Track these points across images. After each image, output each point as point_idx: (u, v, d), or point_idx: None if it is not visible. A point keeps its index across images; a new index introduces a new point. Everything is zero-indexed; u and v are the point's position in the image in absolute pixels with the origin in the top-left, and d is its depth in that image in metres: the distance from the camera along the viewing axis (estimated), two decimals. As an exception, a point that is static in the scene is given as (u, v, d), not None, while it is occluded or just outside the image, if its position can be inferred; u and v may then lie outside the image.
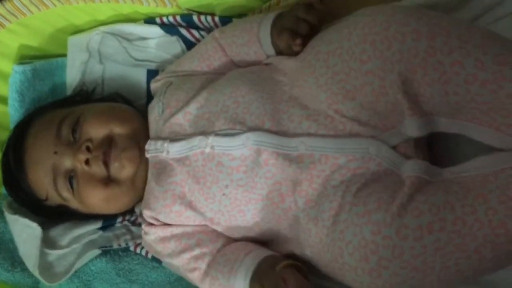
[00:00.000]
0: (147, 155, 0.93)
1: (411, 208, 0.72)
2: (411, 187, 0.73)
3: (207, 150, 0.85)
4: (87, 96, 1.07)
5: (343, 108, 0.79)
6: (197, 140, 0.86)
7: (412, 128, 0.76)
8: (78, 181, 0.92)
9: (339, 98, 0.79)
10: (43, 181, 0.94)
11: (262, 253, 0.86)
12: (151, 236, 0.93)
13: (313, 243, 0.81)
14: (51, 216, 1.01)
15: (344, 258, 0.76)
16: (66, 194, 0.94)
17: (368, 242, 0.73)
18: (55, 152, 0.92)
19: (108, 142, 0.92)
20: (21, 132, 0.98)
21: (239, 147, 0.83)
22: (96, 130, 0.92)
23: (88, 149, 0.90)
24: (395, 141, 0.78)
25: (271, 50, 0.91)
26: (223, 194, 0.85)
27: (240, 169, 0.83)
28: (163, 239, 0.92)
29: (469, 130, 0.75)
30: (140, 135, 0.95)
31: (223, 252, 0.89)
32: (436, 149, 0.86)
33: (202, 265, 0.88)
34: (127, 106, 1.03)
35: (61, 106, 1.01)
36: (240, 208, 0.85)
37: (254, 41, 0.92)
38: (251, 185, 0.83)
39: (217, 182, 0.85)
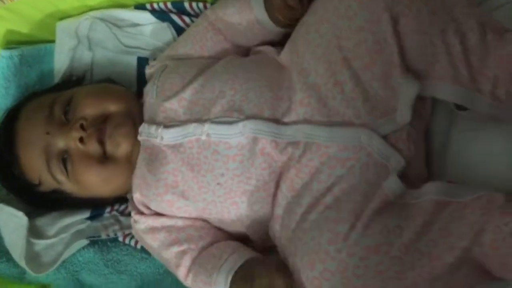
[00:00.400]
0: (139, 138, 0.90)
1: (367, 228, 0.72)
2: (375, 202, 0.74)
3: (203, 137, 0.83)
4: (77, 82, 1.05)
5: (342, 79, 0.78)
6: (192, 127, 0.84)
7: (408, 89, 0.75)
8: (72, 161, 0.90)
9: (337, 67, 0.78)
10: (35, 164, 0.91)
11: (246, 254, 0.85)
12: (141, 225, 0.92)
13: (281, 234, 0.81)
14: (42, 203, 0.99)
15: (296, 258, 0.76)
16: (60, 176, 0.91)
17: (321, 250, 0.73)
18: (47, 133, 0.90)
19: (103, 120, 0.90)
20: (12, 116, 0.96)
21: (236, 135, 0.81)
22: (90, 109, 0.90)
23: (82, 127, 0.88)
24: (387, 130, 0.78)
25: (263, 14, 0.89)
26: (218, 184, 0.83)
27: (237, 158, 0.82)
28: (153, 230, 0.91)
29: (441, 91, 0.77)
30: (135, 114, 0.93)
31: (210, 248, 0.88)
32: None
33: (187, 261, 0.87)
34: (122, 87, 1.01)
35: (53, 91, 0.99)
36: (234, 200, 0.84)
37: (245, 7, 0.90)
38: (246, 175, 0.82)
39: (212, 171, 0.83)
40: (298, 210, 0.79)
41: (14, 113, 0.97)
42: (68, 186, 0.93)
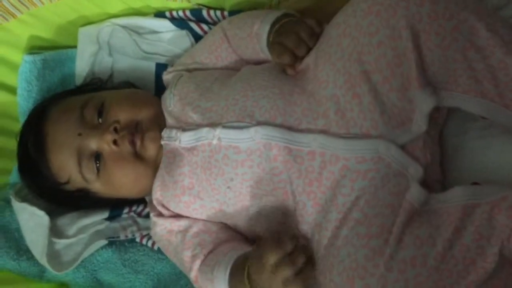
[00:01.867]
0: (161, 142, 0.94)
1: (401, 241, 0.73)
2: (403, 215, 0.75)
3: (214, 141, 0.86)
4: (100, 85, 1.08)
5: (361, 92, 0.79)
6: (204, 131, 0.87)
7: (425, 102, 0.77)
8: (105, 161, 0.93)
9: (357, 81, 0.79)
10: (66, 164, 0.94)
11: (247, 248, 0.86)
12: (159, 227, 0.94)
13: (315, 249, 0.82)
14: (64, 201, 1.01)
15: (332, 275, 0.76)
16: (90, 175, 0.94)
17: (359, 266, 0.74)
18: (79, 134, 0.93)
19: (134, 125, 0.93)
20: (39, 118, 0.98)
21: (247, 141, 0.83)
22: (123, 113, 0.94)
23: (115, 130, 0.91)
24: (404, 140, 0.79)
25: (266, 51, 0.92)
26: (228, 187, 0.86)
27: (245, 163, 0.84)
28: (170, 232, 0.93)
29: (464, 102, 0.77)
30: (161, 119, 0.96)
31: (216, 250, 0.90)
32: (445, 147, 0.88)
33: (197, 265, 0.89)
34: (148, 92, 1.04)
35: (76, 94, 1.02)
36: (244, 203, 0.86)
37: (252, 37, 0.93)
38: (256, 180, 0.84)
39: (223, 175, 0.85)
40: (328, 226, 0.79)
41: (41, 113, 0.99)
42: (96, 186, 0.96)
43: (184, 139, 0.90)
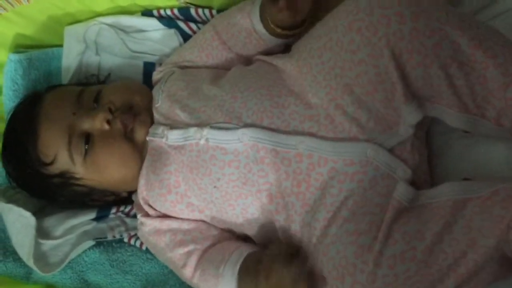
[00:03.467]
0: (148, 138, 0.93)
1: (389, 237, 0.74)
2: (391, 211, 0.75)
3: (202, 142, 0.86)
4: (97, 82, 1.08)
5: (344, 104, 0.79)
6: (192, 131, 0.87)
7: (411, 115, 0.77)
8: (94, 141, 0.92)
9: (338, 93, 0.80)
10: (56, 141, 0.93)
11: (252, 247, 0.88)
12: (147, 227, 0.94)
13: (304, 248, 0.82)
14: (43, 190, 0.99)
15: (323, 272, 0.77)
16: (77, 156, 0.93)
17: (348, 263, 0.74)
18: (74, 113, 0.93)
19: (128, 108, 0.94)
20: (35, 99, 0.98)
21: (234, 142, 0.84)
22: (118, 97, 0.95)
23: (110, 110, 0.92)
24: (392, 143, 0.80)
25: (259, 23, 0.91)
26: (214, 187, 0.86)
27: (232, 164, 0.84)
28: (159, 232, 0.93)
29: (446, 115, 0.78)
30: (151, 111, 0.96)
31: (216, 247, 0.90)
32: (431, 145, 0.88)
33: (193, 261, 0.89)
34: (143, 84, 1.05)
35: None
36: (230, 202, 0.86)
37: (245, 17, 0.93)
38: (242, 181, 0.84)
39: (210, 175, 0.86)
40: (317, 225, 0.80)
41: (36, 96, 0.99)
42: (80, 169, 0.94)
43: (172, 137, 0.89)
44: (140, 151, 0.94)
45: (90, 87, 0.99)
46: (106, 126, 0.91)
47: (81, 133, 0.92)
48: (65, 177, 0.96)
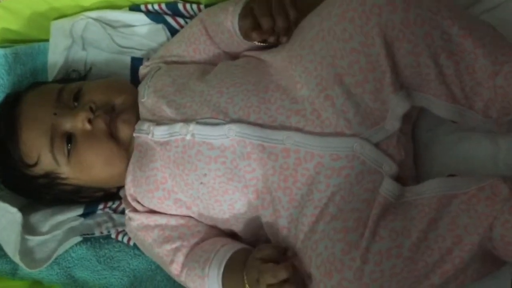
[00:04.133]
0: (134, 134, 0.93)
1: (376, 233, 0.74)
2: (377, 208, 0.76)
3: (188, 137, 0.86)
4: (78, 78, 1.07)
5: (333, 95, 0.80)
6: (178, 127, 0.87)
7: (399, 105, 0.78)
8: (77, 141, 0.92)
9: (329, 84, 0.80)
10: (38, 143, 0.93)
11: (237, 245, 0.87)
12: (135, 222, 0.93)
13: (290, 244, 0.83)
14: (30, 190, 0.99)
15: (311, 268, 0.78)
16: (61, 157, 0.93)
17: (336, 260, 0.75)
18: (55, 114, 0.92)
19: (110, 107, 0.93)
20: (14, 99, 0.97)
21: (221, 137, 0.83)
22: (99, 96, 0.94)
23: (91, 109, 0.91)
24: (379, 138, 0.80)
25: (237, 29, 0.90)
26: (201, 183, 0.86)
27: (219, 159, 0.84)
28: (147, 227, 0.92)
29: (434, 105, 0.79)
30: (137, 108, 0.95)
31: (202, 244, 0.90)
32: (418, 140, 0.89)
33: (180, 258, 0.89)
34: (127, 81, 1.04)
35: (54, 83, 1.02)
36: (217, 198, 0.86)
37: (227, 20, 0.92)
38: (228, 176, 0.84)
39: (196, 170, 0.85)
40: (304, 220, 0.80)
41: (16, 96, 0.98)
42: (65, 170, 0.94)
43: (157, 133, 0.89)
44: (126, 148, 0.94)
45: (70, 84, 0.98)
46: (88, 126, 0.91)
47: (63, 133, 0.92)
48: (51, 178, 0.95)
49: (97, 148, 0.92)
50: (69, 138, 0.92)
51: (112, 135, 0.93)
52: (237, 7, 0.90)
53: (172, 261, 0.89)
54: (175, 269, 0.89)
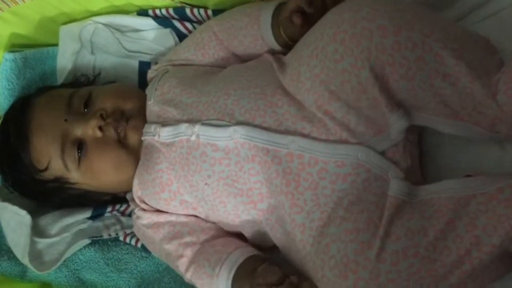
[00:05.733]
0: (142, 137, 0.94)
1: (391, 233, 0.74)
2: (390, 208, 0.75)
3: (193, 138, 0.86)
4: (87, 83, 1.08)
5: (332, 110, 0.79)
6: (183, 127, 0.87)
7: (397, 122, 0.77)
8: (88, 148, 0.93)
9: (325, 100, 0.79)
10: (49, 148, 0.94)
11: (250, 251, 0.87)
12: (144, 220, 0.94)
13: (297, 248, 0.82)
14: (39, 194, 1.00)
15: (324, 270, 0.77)
16: (71, 163, 0.94)
17: (350, 261, 0.74)
18: (66, 120, 0.93)
19: (120, 113, 0.94)
20: (24, 105, 0.98)
21: (225, 139, 0.84)
22: (109, 102, 0.95)
23: (102, 116, 0.92)
24: (384, 146, 0.80)
25: (268, 31, 0.92)
26: (206, 184, 0.86)
27: (223, 161, 0.84)
28: (157, 224, 0.93)
29: (436, 123, 0.78)
30: (144, 112, 0.96)
31: (213, 243, 0.90)
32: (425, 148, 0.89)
33: (189, 253, 0.89)
34: (134, 86, 1.05)
35: (64, 87, 1.02)
36: (221, 199, 0.87)
37: (253, 23, 0.93)
38: (232, 178, 0.84)
39: (200, 172, 0.86)
40: (312, 225, 0.79)
41: (27, 100, 0.99)
42: (75, 175, 0.95)
43: (163, 134, 0.90)
44: (135, 154, 0.95)
45: (80, 90, 0.98)
46: (99, 133, 0.92)
47: (73, 140, 0.93)
48: (60, 182, 0.96)
49: (107, 155, 0.93)
50: (80, 144, 0.93)
51: (122, 142, 0.94)
52: (265, 13, 0.92)
53: (181, 256, 0.90)
54: (183, 264, 0.89)
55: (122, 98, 0.96)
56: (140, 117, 0.95)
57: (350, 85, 0.77)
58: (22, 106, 0.99)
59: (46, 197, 1.01)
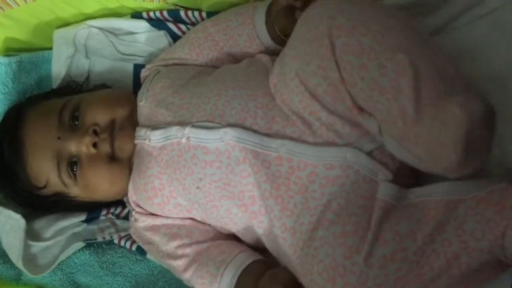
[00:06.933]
0: (135, 142, 0.93)
1: (379, 237, 0.73)
2: (378, 212, 0.74)
3: (183, 140, 0.85)
4: (76, 88, 1.08)
5: (316, 110, 0.78)
6: (174, 130, 0.87)
7: (370, 126, 0.76)
8: (82, 165, 0.92)
9: (309, 100, 0.78)
10: (46, 168, 0.93)
11: (255, 255, 0.88)
12: (141, 223, 0.94)
13: (287, 252, 0.82)
14: (41, 206, 1.01)
15: (313, 275, 0.76)
16: (68, 180, 0.94)
17: (338, 265, 0.74)
18: (59, 138, 0.93)
19: (112, 126, 0.93)
20: (16, 120, 0.98)
21: (216, 141, 0.83)
22: (101, 115, 0.93)
23: (95, 132, 0.91)
24: (371, 147, 0.79)
25: (264, 33, 0.92)
26: (197, 187, 0.86)
27: (214, 164, 0.83)
28: (154, 227, 0.93)
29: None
30: (136, 117, 0.96)
31: (218, 243, 0.90)
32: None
33: (190, 252, 0.89)
34: (123, 90, 1.04)
35: (54, 96, 1.02)
36: (213, 203, 0.86)
37: (248, 22, 0.93)
38: (224, 181, 0.83)
39: (192, 175, 0.85)
40: (302, 228, 0.79)
41: (17, 115, 0.98)
42: (74, 190, 0.96)
43: (154, 138, 0.89)
44: (128, 165, 0.95)
45: (69, 100, 0.96)
46: (93, 150, 0.91)
47: (67, 158, 0.93)
48: (61, 196, 0.97)
49: (101, 171, 0.93)
50: (75, 162, 0.93)
51: (116, 156, 0.93)
52: (259, 11, 0.92)
53: (180, 256, 0.90)
54: (182, 264, 0.89)
55: (113, 107, 0.95)
56: (132, 124, 0.94)
57: (322, 88, 0.76)
58: (13, 122, 0.98)
59: (45, 208, 1.02)
